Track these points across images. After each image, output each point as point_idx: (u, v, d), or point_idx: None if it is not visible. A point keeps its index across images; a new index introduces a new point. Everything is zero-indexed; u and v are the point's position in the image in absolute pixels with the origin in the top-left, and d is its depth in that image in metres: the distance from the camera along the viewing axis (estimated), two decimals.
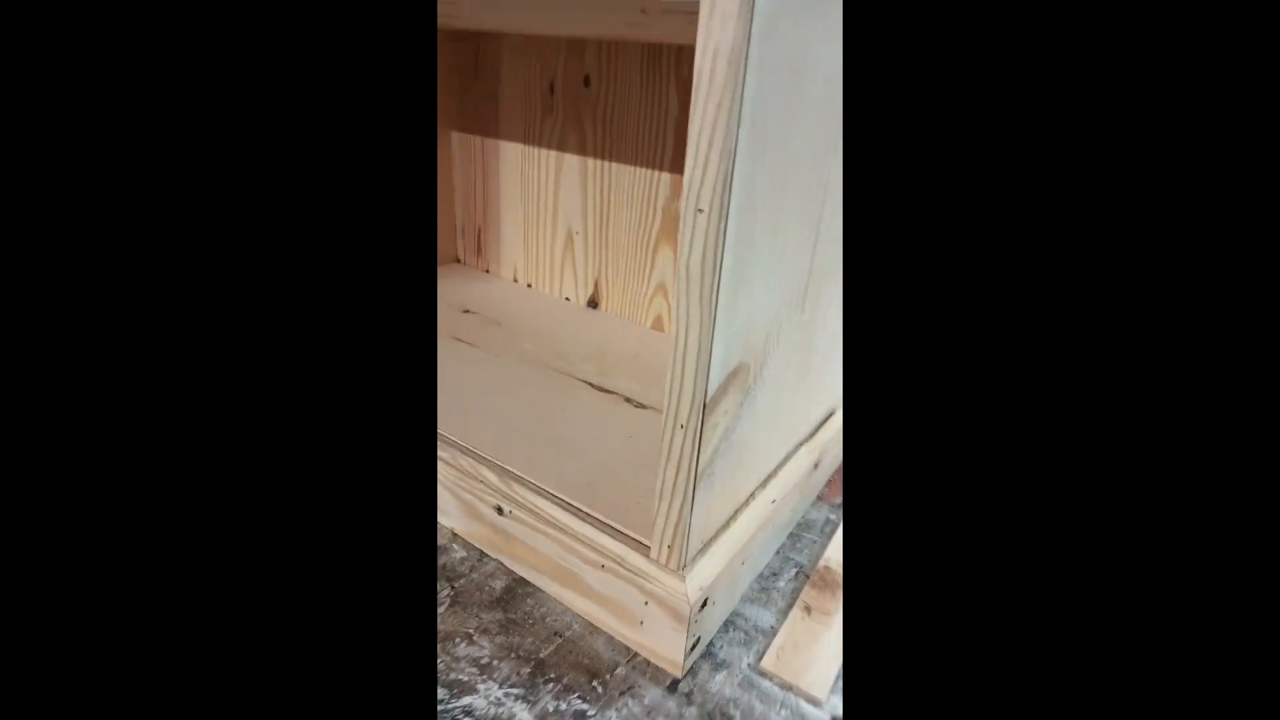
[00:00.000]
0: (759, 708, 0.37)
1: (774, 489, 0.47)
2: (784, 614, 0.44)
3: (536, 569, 0.45)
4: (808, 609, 0.45)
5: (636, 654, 0.40)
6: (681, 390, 0.34)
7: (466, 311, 0.71)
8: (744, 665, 0.40)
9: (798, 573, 0.48)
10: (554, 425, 0.51)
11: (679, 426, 0.34)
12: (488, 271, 0.84)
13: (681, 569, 0.38)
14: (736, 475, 0.41)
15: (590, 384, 0.58)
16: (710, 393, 0.34)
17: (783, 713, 0.37)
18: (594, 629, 0.42)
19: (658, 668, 0.39)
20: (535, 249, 0.78)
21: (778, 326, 0.39)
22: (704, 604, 0.38)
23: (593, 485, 0.45)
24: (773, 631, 0.43)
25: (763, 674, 0.40)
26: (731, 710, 0.37)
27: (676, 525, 0.37)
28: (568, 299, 0.78)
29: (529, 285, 0.81)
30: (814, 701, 0.38)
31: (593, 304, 0.76)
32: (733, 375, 0.35)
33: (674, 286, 0.31)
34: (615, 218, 0.70)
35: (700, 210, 0.29)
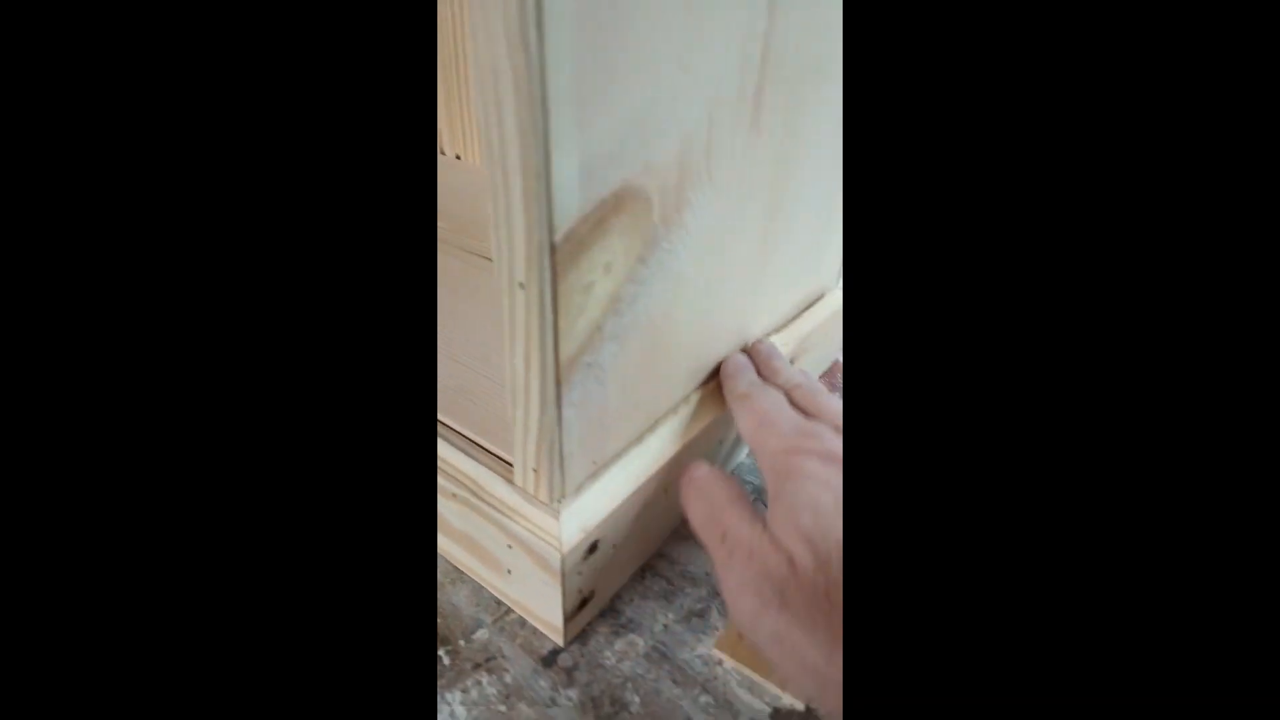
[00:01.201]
0: (669, 691, 0.27)
1: None
2: None
3: None
4: None
5: (510, 611, 0.30)
6: (510, 222, 0.20)
7: None
8: (658, 629, 0.29)
9: (755, 499, 0.36)
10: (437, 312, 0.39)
11: (516, 285, 0.22)
12: None
13: (555, 501, 0.26)
14: (650, 371, 0.28)
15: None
16: (561, 229, 0.20)
17: (702, 700, 0.26)
18: (459, 575, 0.31)
19: (535, 631, 0.29)
20: (459, 106, 0.63)
21: (704, 141, 0.25)
22: (591, 549, 0.27)
23: (465, 390, 0.33)
24: (708, 578, 0.31)
25: (684, 642, 0.29)
26: (628, 694, 0.27)
27: (539, 440, 0.25)
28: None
29: (457, 157, 0.66)
30: (759, 688, 0.27)
31: None
32: (613, 206, 0.22)
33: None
34: None
35: None
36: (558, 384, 0.23)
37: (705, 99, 0.24)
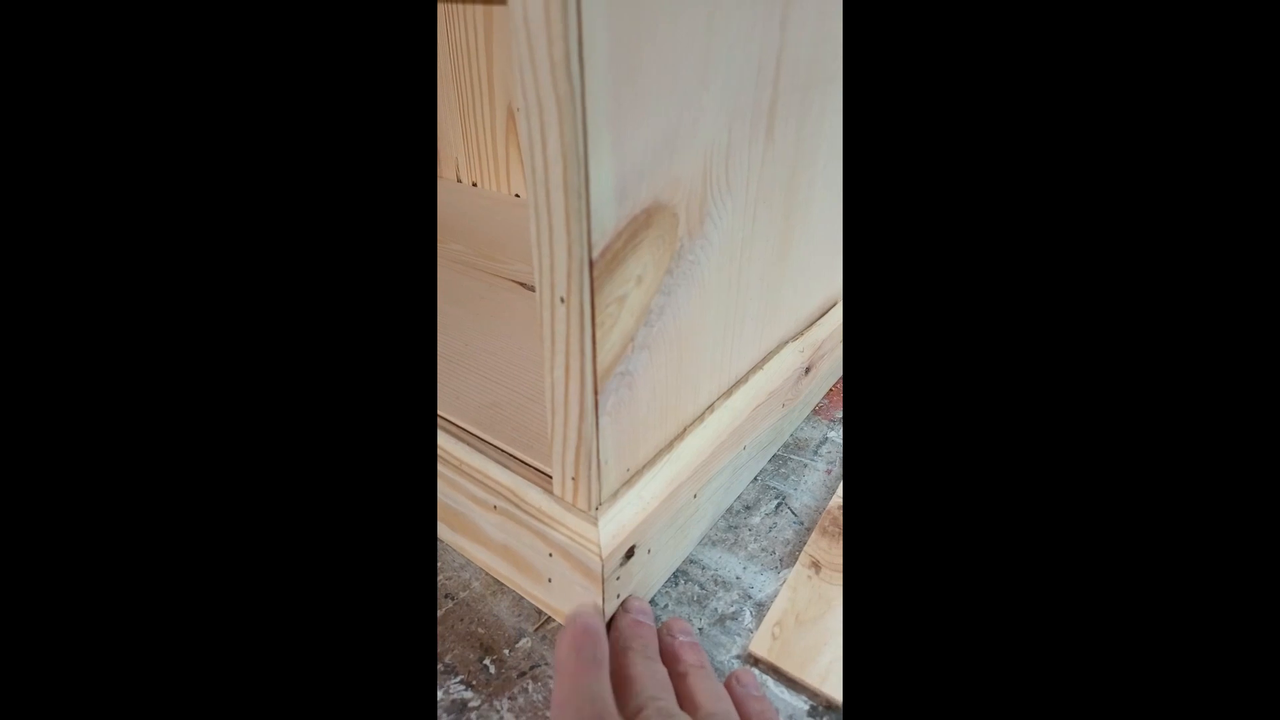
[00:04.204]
0: None
1: (744, 397, 0.35)
2: (756, 558, 0.33)
3: None
4: (815, 564, 0.34)
5: (550, 620, 0.30)
6: (552, 241, 0.22)
7: None
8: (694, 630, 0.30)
9: (779, 504, 0.37)
10: (461, 332, 0.40)
11: (558, 301, 0.23)
12: None
13: (594, 508, 0.27)
14: (678, 379, 0.29)
15: (521, 284, 0.47)
16: (598, 245, 0.21)
17: None
18: (499, 587, 0.32)
19: None
20: (474, 135, 0.65)
21: (724, 154, 0.26)
22: (628, 554, 0.28)
23: (498, 405, 0.34)
24: (739, 582, 0.32)
25: (720, 644, 0.29)
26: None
27: (578, 449, 0.26)
28: (518, 195, 0.65)
29: (474, 184, 0.68)
30: (797, 685, 0.28)
31: None
32: (644, 221, 0.23)
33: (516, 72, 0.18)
34: None
35: None
36: (595, 394, 0.24)
37: (725, 114, 0.25)
